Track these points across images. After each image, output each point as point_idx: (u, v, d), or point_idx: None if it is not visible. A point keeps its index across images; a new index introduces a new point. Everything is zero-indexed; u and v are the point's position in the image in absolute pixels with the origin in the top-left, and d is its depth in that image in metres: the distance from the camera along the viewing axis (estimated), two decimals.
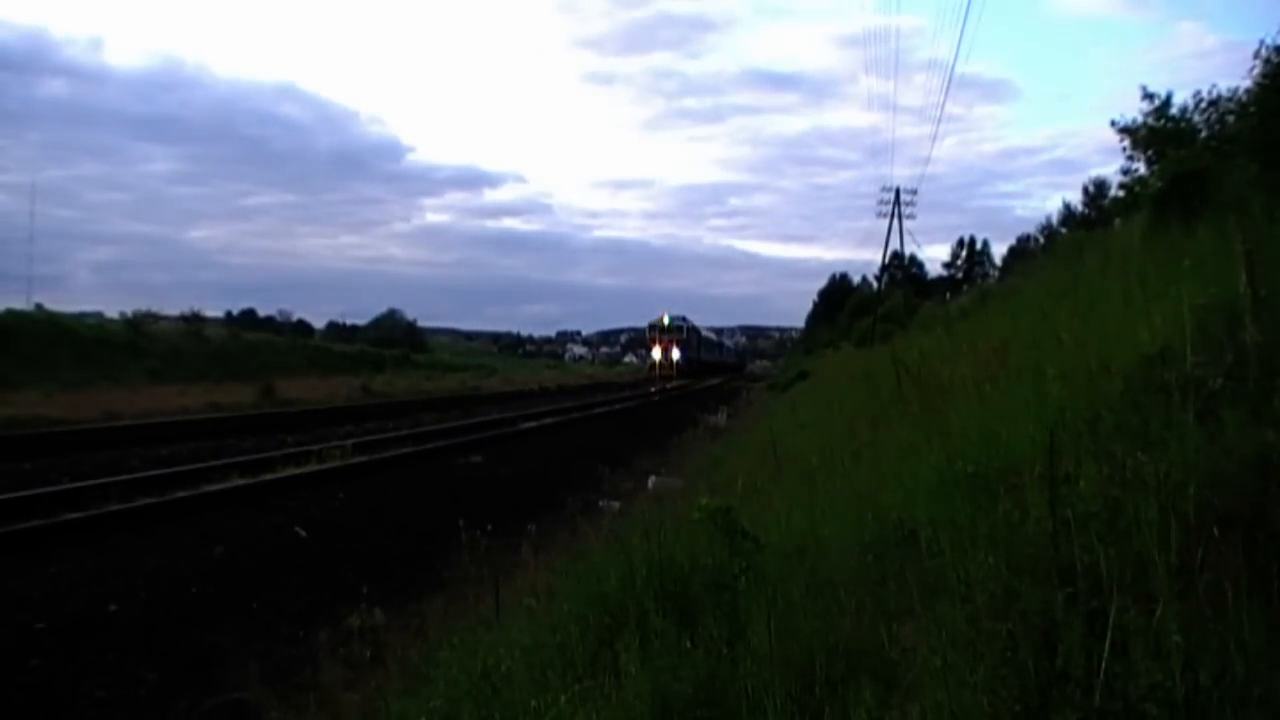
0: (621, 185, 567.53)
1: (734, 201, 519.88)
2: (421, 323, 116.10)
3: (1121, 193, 20.50)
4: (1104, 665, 3.12)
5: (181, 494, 13.04)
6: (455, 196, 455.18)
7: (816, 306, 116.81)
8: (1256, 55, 13.67)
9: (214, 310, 76.21)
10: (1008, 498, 4.60)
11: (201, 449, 18.73)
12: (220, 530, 11.13)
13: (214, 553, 10.08)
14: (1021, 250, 61.92)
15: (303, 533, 11.20)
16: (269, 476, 15.03)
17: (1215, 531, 3.57)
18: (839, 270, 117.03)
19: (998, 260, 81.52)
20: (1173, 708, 2.98)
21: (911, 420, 8.47)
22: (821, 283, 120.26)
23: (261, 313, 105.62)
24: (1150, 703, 3.00)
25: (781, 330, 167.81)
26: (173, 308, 61.00)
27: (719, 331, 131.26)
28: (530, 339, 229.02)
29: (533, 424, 27.15)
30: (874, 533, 5.36)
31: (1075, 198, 61.33)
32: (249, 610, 8.23)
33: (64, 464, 15.69)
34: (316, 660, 6.65)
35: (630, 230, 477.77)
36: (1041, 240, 59.37)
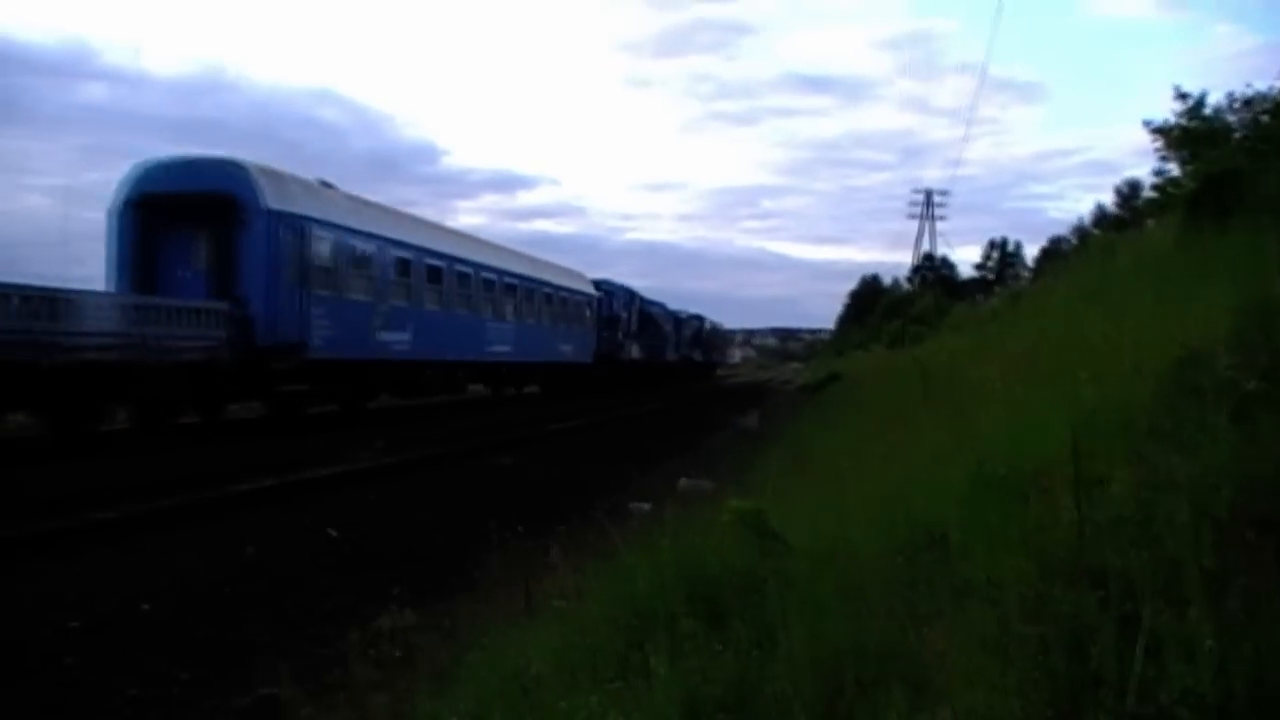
0: (655, 188, 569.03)
1: (767, 203, 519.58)
2: None
3: (1154, 193, 20.40)
4: (1136, 670, 3.10)
5: (211, 494, 13.14)
6: (490, 199, 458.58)
7: (847, 308, 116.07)
8: None
9: None
10: (1039, 500, 4.57)
11: (231, 449, 18.84)
12: (251, 530, 11.20)
13: (245, 553, 10.14)
14: (1054, 251, 61.56)
15: (333, 533, 11.24)
16: (299, 477, 15.12)
17: (1249, 535, 3.55)
18: (871, 272, 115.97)
19: (1030, 261, 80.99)
20: (1205, 713, 2.96)
21: (942, 422, 8.43)
22: (853, 284, 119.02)
23: None
24: (1183, 707, 2.98)
25: (813, 332, 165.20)
26: None
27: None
28: None
29: (560, 425, 27.18)
30: (904, 535, 5.34)
31: (1108, 199, 60.95)
32: (279, 610, 8.28)
33: (92, 465, 15.81)
34: (346, 660, 6.67)
35: (663, 232, 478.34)
36: (1074, 241, 59.02)
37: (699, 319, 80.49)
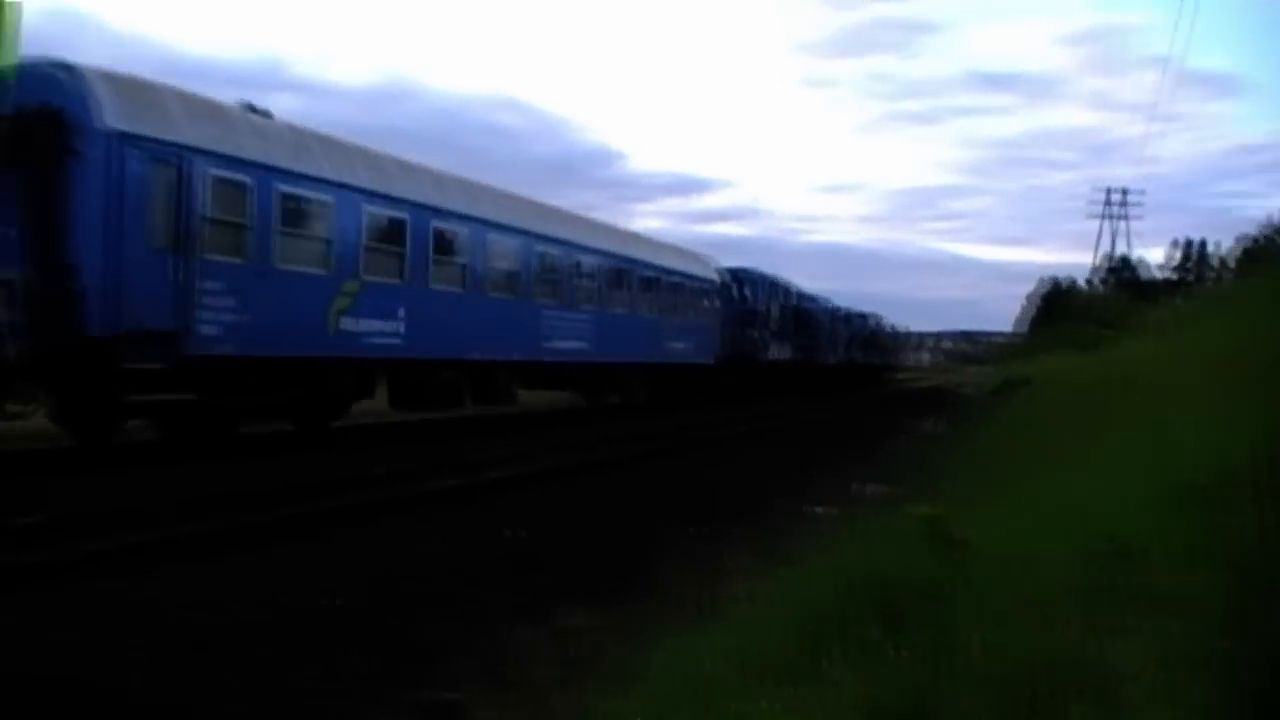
0: (834, 189, 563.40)
1: (948, 204, 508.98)
2: None
3: None
4: None
5: (399, 493, 13.51)
6: (668, 202, 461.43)
7: (1037, 310, 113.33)
8: None
9: None
10: (1233, 511, 4.42)
11: (416, 450, 19.24)
12: (436, 529, 11.49)
13: (430, 550, 10.39)
14: (1252, 251, 58.86)
15: (518, 533, 11.44)
16: (485, 477, 15.45)
17: None
18: (1055, 274, 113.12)
19: (1227, 261, 77.58)
20: None
21: (1132, 428, 8.19)
22: (1033, 286, 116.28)
23: None
24: None
25: (996, 335, 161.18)
26: None
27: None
28: None
29: (743, 428, 27.24)
30: (1090, 543, 5.22)
31: None
32: (463, 608, 8.46)
33: (273, 464, 16.44)
34: (528, 659, 6.81)
35: (842, 234, 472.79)
36: (1277, 240, 56.30)
37: (865, 317, 72.64)
